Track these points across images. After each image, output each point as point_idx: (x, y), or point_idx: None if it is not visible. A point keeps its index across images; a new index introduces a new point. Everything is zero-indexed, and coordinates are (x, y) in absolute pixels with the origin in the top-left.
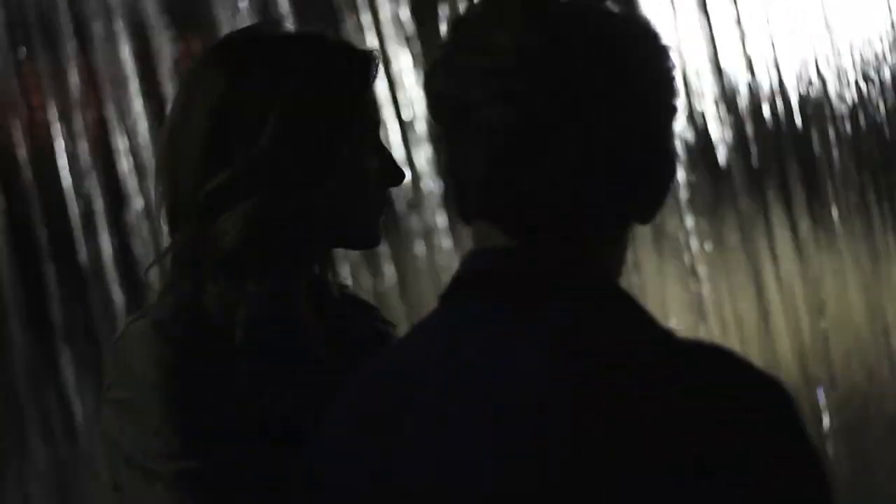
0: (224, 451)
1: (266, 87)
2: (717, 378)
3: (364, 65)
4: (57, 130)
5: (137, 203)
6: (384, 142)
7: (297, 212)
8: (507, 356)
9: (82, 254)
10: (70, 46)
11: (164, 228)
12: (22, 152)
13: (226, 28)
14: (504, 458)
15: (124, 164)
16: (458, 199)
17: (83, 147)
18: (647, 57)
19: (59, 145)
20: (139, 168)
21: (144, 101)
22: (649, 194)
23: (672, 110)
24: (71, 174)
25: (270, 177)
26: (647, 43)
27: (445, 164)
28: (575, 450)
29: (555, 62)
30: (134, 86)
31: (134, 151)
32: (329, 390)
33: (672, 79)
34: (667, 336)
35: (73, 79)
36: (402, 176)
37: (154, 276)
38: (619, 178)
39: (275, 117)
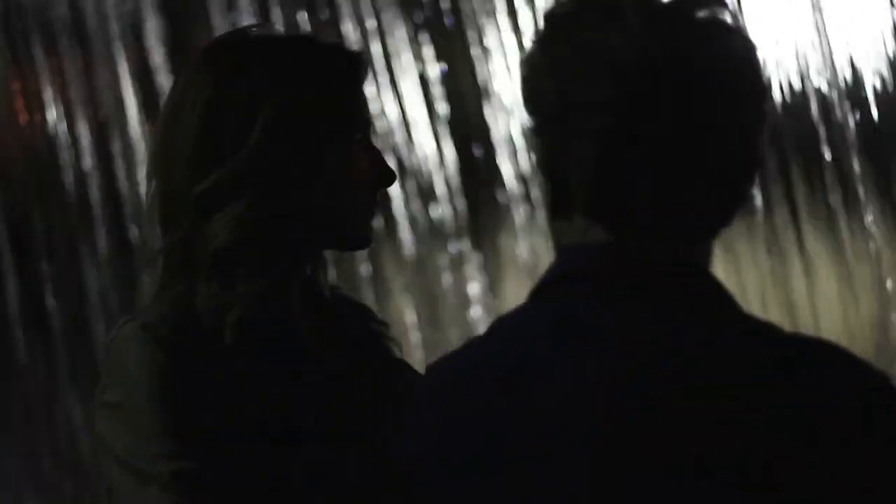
0: (219, 451)
1: (256, 88)
2: (826, 372)
3: (354, 66)
4: (55, 129)
5: (134, 203)
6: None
7: (288, 212)
8: (597, 351)
9: (80, 252)
10: (67, 45)
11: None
12: (20, 152)
13: (222, 27)
14: (569, 459)
15: (120, 164)
16: (557, 195)
17: (82, 147)
18: (752, 68)
19: (58, 144)
20: (135, 167)
21: (139, 101)
22: (740, 199)
23: (765, 121)
24: (71, 173)
25: (261, 178)
26: (752, 53)
27: (544, 159)
28: (654, 446)
29: (673, 67)
30: (129, 84)
31: (129, 151)
32: (328, 389)
33: (769, 90)
34: (770, 330)
35: (70, 77)
36: (394, 177)
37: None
38: (720, 183)
39: (264, 118)
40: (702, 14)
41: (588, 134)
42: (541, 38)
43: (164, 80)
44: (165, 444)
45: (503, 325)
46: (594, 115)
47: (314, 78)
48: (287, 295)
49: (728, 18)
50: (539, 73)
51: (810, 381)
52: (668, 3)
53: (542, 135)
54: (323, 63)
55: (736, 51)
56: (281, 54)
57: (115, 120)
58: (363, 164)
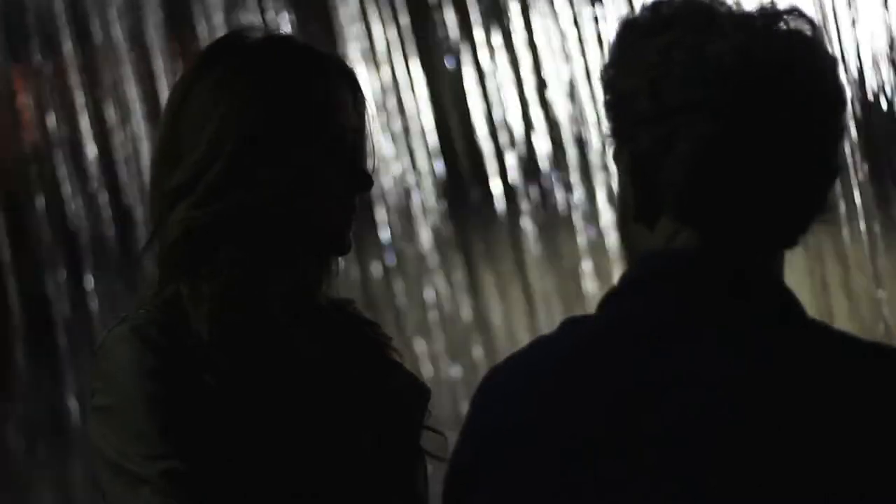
0: (209, 450)
1: (211, 91)
2: None
3: (324, 69)
4: (56, 130)
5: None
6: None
7: (233, 216)
8: (681, 357)
9: (79, 251)
10: (67, 46)
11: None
12: (20, 153)
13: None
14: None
15: (123, 165)
16: (645, 198)
17: (82, 148)
18: (836, 79)
19: (59, 146)
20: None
21: (141, 102)
22: (821, 207)
23: (844, 131)
24: (70, 175)
25: (206, 180)
26: (836, 65)
27: (630, 162)
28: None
29: (772, 72)
30: (131, 85)
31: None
32: (316, 387)
33: (846, 101)
34: (852, 339)
35: (71, 77)
36: (368, 183)
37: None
38: (806, 191)
39: (213, 121)
40: (790, 25)
41: (689, 136)
42: (625, 42)
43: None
44: (153, 445)
45: (579, 327)
46: (695, 116)
47: (271, 80)
48: (265, 295)
49: (810, 32)
50: (628, 75)
51: None
52: (760, 13)
53: (631, 137)
54: (281, 65)
55: (823, 60)
56: (240, 59)
57: (116, 119)
58: (332, 168)
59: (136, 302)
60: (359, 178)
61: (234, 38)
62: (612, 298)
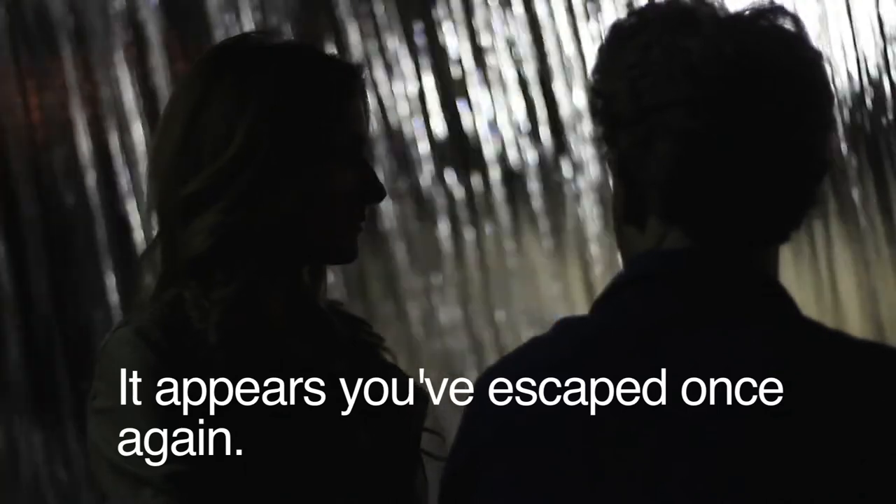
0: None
1: (236, 96)
2: None
3: (344, 77)
4: (54, 130)
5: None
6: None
7: (260, 222)
8: (675, 359)
9: (76, 252)
10: (67, 45)
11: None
12: (18, 153)
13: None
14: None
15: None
16: (631, 199)
17: (81, 147)
18: (821, 72)
19: (56, 146)
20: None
21: (139, 99)
22: (811, 201)
23: (833, 124)
24: (67, 173)
25: (235, 187)
26: (820, 59)
27: (619, 163)
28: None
29: (748, 68)
30: (128, 82)
31: (129, 150)
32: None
33: (834, 95)
34: (843, 337)
35: (70, 77)
36: (381, 193)
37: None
38: (794, 185)
39: (242, 127)
40: (769, 22)
41: (668, 134)
42: (609, 46)
43: (162, 81)
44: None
45: (576, 327)
46: (674, 114)
47: (295, 87)
48: (268, 300)
49: (793, 28)
50: (611, 77)
51: None
52: (738, 12)
53: (616, 139)
54: (308, 73)
55: (805, 55)
56: (264, 62)
57: (113, 117)
58: (349, 177)
59: (134, 305)
60: (373, 188)
61: (247, 42)
62: (607, 299)
